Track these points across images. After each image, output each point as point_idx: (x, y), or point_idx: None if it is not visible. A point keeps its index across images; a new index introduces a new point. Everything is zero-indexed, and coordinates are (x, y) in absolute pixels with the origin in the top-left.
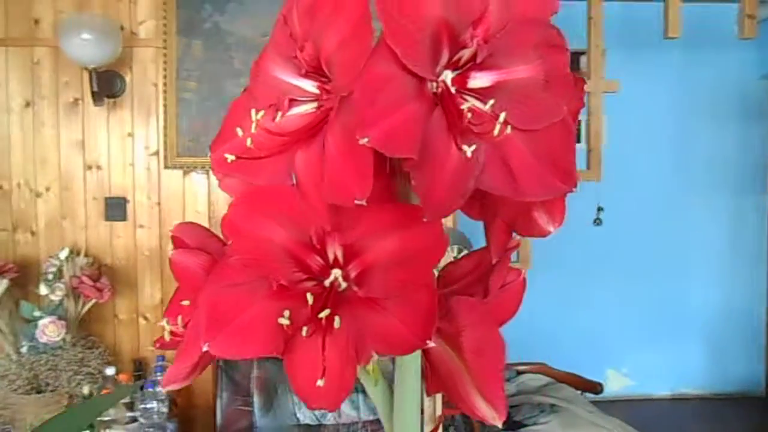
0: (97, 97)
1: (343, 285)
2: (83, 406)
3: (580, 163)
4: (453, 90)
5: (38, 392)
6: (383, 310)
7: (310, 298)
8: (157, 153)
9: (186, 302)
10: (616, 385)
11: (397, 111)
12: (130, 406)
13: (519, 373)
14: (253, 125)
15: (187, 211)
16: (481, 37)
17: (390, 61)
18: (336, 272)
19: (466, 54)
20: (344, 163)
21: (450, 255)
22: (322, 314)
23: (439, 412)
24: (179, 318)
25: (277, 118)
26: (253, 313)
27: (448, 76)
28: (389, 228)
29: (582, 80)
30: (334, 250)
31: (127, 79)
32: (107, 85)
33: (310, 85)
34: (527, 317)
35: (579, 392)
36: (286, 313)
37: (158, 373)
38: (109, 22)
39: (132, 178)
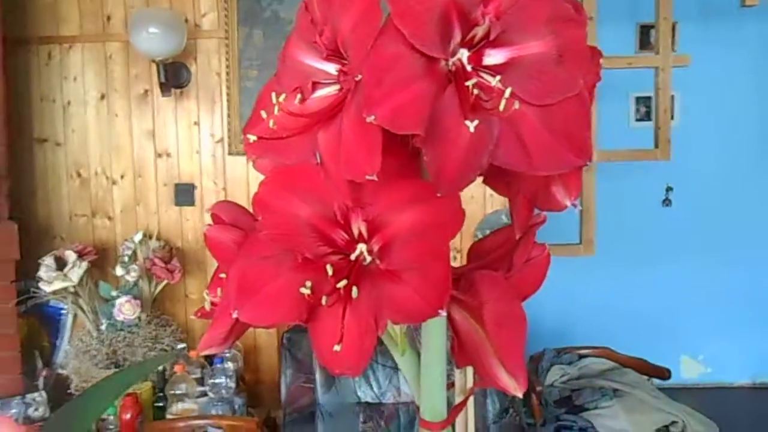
0: (164, 88)
1: (368, 259)
2: (133, 367)
3: (648, 141)
4: (469, 68)
5: (116, 366)
6: (400, 281)
7: (329, 269)
8: (221, 140)
9: (224, 275)
10: (691, 372)
11: (403, 89)
12: (201, 381)
13: (581, 357)
14: (276, 108)
15: (251, 195)
16: (493, 15)
17: (397, 42)
18: (361, 246)
19: (479, 32)
20: (356, 140)
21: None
22: (340, 284)
23: (470, 384)
24: (218, 290)
25: (297, 101)
26: (280, 283)
27: (464, 54)
28: (408, 203)
29: (599, 53)
30: (359, 226)
31: (192, 69)
32: (174, 76)
33: (331, 68)
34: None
35: (645, 378)
36: (308, 283)
37: (226, 351)
38: (174, 15)
39: (199, 164)
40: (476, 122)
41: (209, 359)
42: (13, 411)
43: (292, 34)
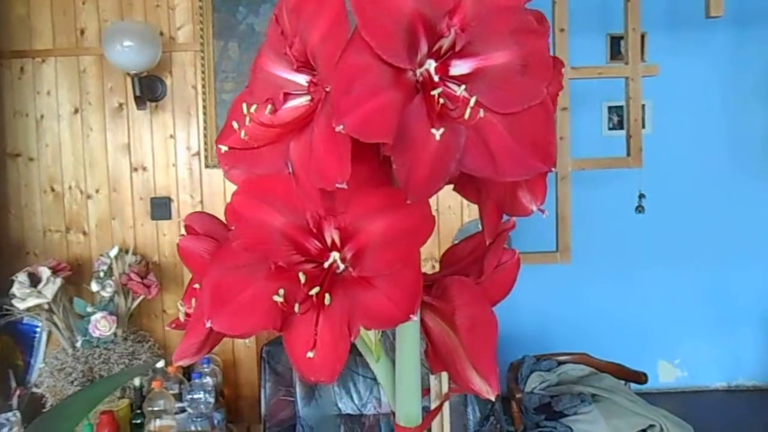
0: (139, 102)
1: (342, 266)
2: (105, 380)
3: (621, 149)
4: (437, 78)
5: (89, 382)
6: (372, 288)
7: (302, 277)
8: (198, 153)
9: (197, 286)
10: (668, 376)
11: (371, 99)
12: (179, 397)
13: (560, 363)
14: (247, 119)
15: None
16: (459, 26)
17: (364, 52)
18: (335, 255)
19: (446, 43)
20: (326, 149)
21: None
22: (312, 292)
23: (445, 390)
24: (192, 300)
25: (268, 111)
26: (253, 292)
27: (431, 65)
28: (379, 210)
29: (561, 63)
30: (332, 234)
31: (168, 82)
32: (149, 89)
33: (302, 79)
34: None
35: (622, 382)
36: (281, 291)
37: (204, 365)
38: (148, 28)
39: (175, 178)
40: (442, 130)
41: (187, 374)
42: None
43: (263, 46)
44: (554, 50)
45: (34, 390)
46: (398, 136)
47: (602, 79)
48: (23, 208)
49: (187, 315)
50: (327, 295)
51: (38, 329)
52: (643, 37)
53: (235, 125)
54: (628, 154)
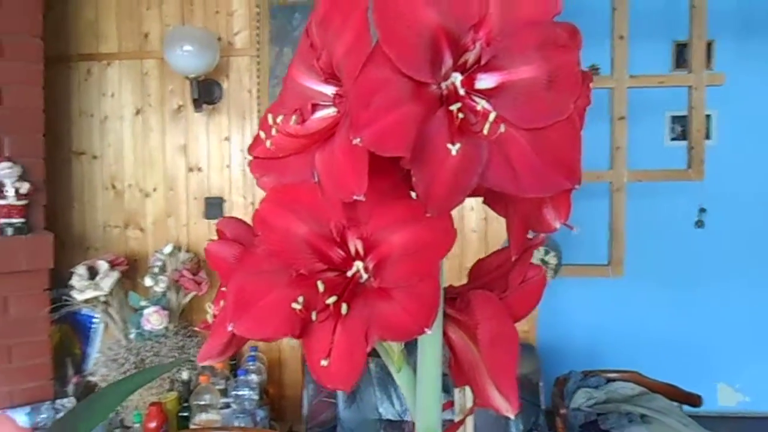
0: (197, 104)
1: (365, 276)
2: (135, 376)
3: (683, 161)
4: (462, 92)
5: None
6: (391, 299)
7: (320, 286)
8: None
9: (225, 289)
10: (728, 400)
11: (389, 113)
12: (225, 392)
13: (609, 380)
14: (273, 129)
15: None
16: (484, 40)
17: (385, 66)
18: (358, 264)
19: (471, 57)
20: (344, 161)
21: (536, 255)
22: (329, 301)
23: (469, 404)
24: (221, 302)
25: (292, 122)
26: (274, 298)
27: (457, 78)
28: (400, 222)
29: (590, 77)
30: (355, 244)
31: (224, 86)
32: (206, 92)
33: (329, 91)
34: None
35: (675, 404)
36: (300, 299)
37: (250, 363)
38: (207, 33)
39: (229, 179)
40: (460, 145)
41: (233, 371)
42: (43, 416)
43: (294, 58)
44: (612, 58)
45: (90, 378)
46: (418, 150)
47: (666, 88)
48: (86, 203)
49: (214, 316)
50: (344, 305)
51: (95, 320)
52: (709, 45)
53: (262, 135)
54: (689, 166)
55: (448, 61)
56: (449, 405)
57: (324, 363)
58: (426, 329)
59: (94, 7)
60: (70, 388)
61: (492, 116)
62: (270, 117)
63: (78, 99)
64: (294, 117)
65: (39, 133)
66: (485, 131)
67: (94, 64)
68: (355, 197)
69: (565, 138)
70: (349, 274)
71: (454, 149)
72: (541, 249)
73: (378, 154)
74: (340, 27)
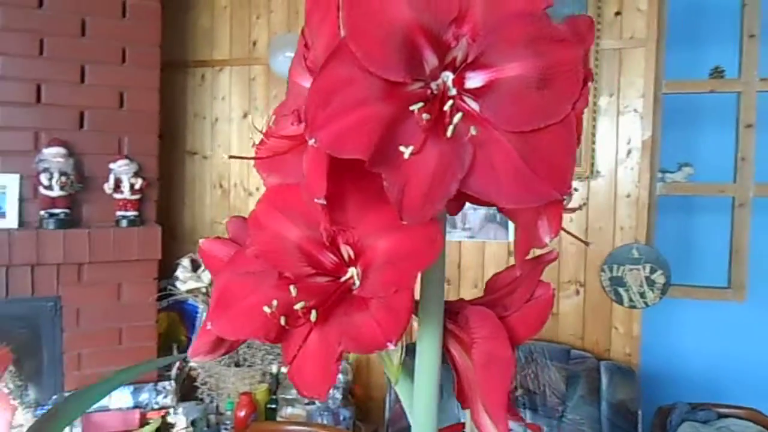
0: None
1: (358, 283)
2: (117, 374)
3: None
4: (454, 91)
5: (237, 366)
6: (367, 309)
7: (293, 290)
8: None
9: None
10: None
11: (350, 113)
12: None
13: (721, 416)
14: (264, 128)
15: None
16: (469, 36)
17: (349, 64)
18: (353, 270)
19: (459, 54)
20: (309, 163)
21: (641, 274)
22: (297, 306)
23: None
24: None
25: (271, 122)
26: (254, 300)
27: (449, 77)
28: (386, 228)
29: (590, 76)
30: (347, 249)
31: None
32: None
33: None
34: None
35: None
36: (275, 302)
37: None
38: None
39: None
40: (439, 148)
41: None
42: (144, 395)
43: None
44: (741, 58)
45: (192, 365)
46: (389, 153)
47: None
48: (196, 200)
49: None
50: (313, 312)
51: (200, 309)
52: None
53: (256, 138)
54: None
55: (432, 59)
56: (460, 427)
57: (302, 370)
58: (389, 344)
59: (210, 16)
60: (173, 372)
61: (457, 117)
62: (267, 119)
63: (192, 102)
64: (273, 118)
65: (154, 134)
66: (448, 133)
67: (207, 70)
68: (316, 200)
69: (558, 143)
70: (343, 279)
71: (407, 152)
72: (647, 266)
73: (335, 156)
74: (319, 25)
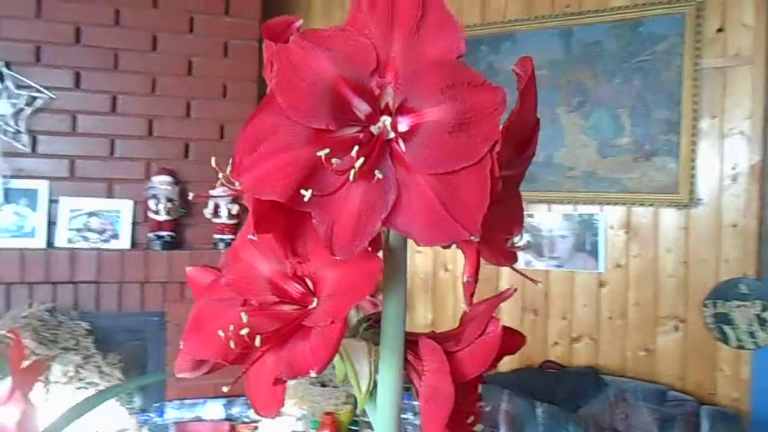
0: None
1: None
2: (115, 387)
3: None
4: (392, 135)
5: (323, 386)
6: (308, 339)
7: (244, 317)
8: None
9: None
10: None
11: (271, 159)
12: None
13: None
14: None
15: None
16: (393, 84)
17: (276, 114)
18: (316, 300)
19: (389, 100)
20: (249, 203)
21: (750, 311)
22: (243, 332)
23: None
24: None
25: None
26: (219, 324)
27: (387, 121)
28: (332, 263)
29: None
30: (308, 281)
31: None
32: None
33: None
34: None
35: None
36: (231, 327)
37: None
38: None
39: None
40: (361, 188)
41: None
42: (236, 409)
43: None
44: None
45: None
46: (318, 194)
47: None
48: None
49: None
50: (258, 338)
51: None
52: None
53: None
54: None
55: (363, 106)
56: None
57: (252, 389)
58: (312, 371)
59: None
60: None
61: (359, 162)
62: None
63: None
64: None
65: None
66: (352, 177)
67: None
68: (249, 237)
69: (473, 184)
70: (310, 308)
71: (357, 192)
72: (758, 303)
73: (256, 197)
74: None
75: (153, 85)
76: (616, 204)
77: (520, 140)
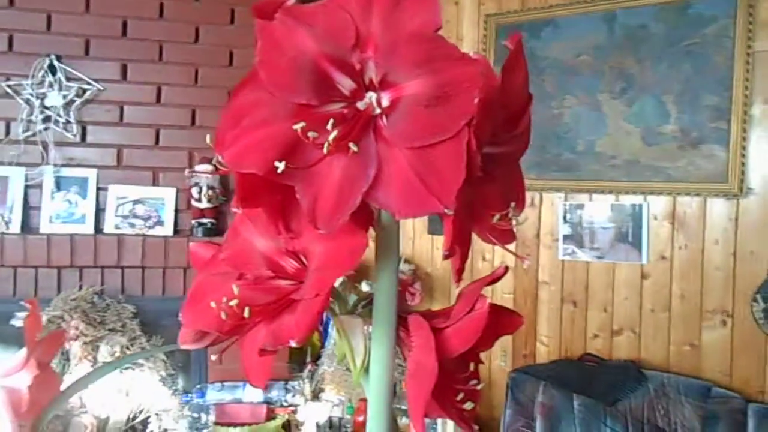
0: None
1: None
2: (115, 361)
3: None
4: (378, 110)
5: None
6: (294, 311)
7: (235, 289)
8: None
9: None
10: None
11: (252, 133)
12: None
13: None
14: None
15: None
16: (373, 59)
17: (258, 89)
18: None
19: (372, 75)
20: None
21: None
22: (232, 303)
23: None
24: None
25: None
26: (215, 297)
27: (372, 97)
28: (319, 238)
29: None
30: (301, 255)
31: None
32: None
33: None
34: None
35: None
36: (224, 299)
37: None
38: None
39: None
40: (345, 162)
41: None
42: (273, 393)
43: None
44: None
45: (322, 368)
46: (300, 167)
47: None
48: None
49: None
50: (246, 309)
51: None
52: None
53: None
54: None
55: (346, 82)
56: None
57: (246, 359)
58: (292, 341)
59: None
60: (304, 373)
61: (332, 135)
62: None
63: None
64: None
65: None
66: (325, 150)
67: None
68: (233, 209)
69: (449, 158)
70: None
71: (338, 165)
72: None
73: (236, 171)
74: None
75: (196, 76)
76: (660, 194)
77: (509, 116)
